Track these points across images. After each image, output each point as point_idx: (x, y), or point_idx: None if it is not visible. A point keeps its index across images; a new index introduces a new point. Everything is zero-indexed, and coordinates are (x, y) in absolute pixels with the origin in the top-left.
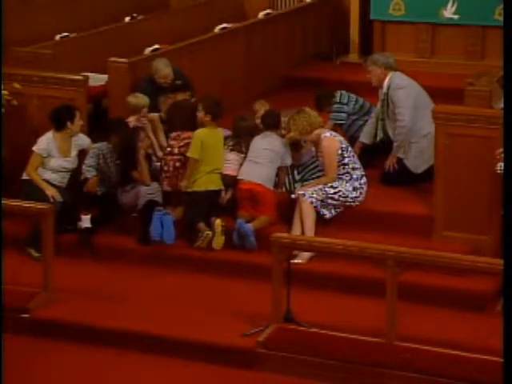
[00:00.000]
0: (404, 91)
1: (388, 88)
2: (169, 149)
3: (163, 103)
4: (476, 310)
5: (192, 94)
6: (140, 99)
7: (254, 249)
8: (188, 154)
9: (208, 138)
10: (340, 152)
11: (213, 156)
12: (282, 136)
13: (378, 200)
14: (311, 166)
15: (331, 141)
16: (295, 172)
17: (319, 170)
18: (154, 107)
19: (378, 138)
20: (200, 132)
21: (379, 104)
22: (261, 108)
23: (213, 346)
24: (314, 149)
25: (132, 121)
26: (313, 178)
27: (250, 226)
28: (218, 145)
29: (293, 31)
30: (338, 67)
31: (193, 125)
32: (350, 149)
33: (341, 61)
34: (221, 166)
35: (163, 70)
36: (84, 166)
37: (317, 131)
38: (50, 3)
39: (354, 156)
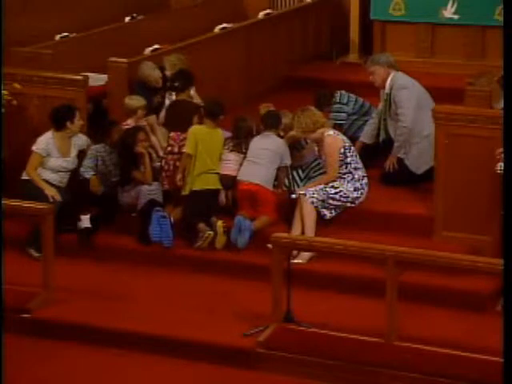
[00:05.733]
0: (407, 92)
1: (391, 88)
2: (169, 148)
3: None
4: (476, 310)
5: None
6: (135, 101)
7: (246, 245)
8: (183, 149)
9: (201, 135)
10: (343, 151)
11: (206, 155)
12: (281, 136)
13: (378, 200)
14: (314, 164)
15: (334, 139)
16: (299, 171)
17: (321, 168)
18: (149, 108)
19: (381, 138)
20: (194, 128)
21: (381, 104)
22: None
23: (213, 346)
24: (316, 148)
25: (130, 123)
26: (317, 176)
27: (249, 222)
28: (213, 144)
29: (293, 31)
30: (337, 67)
31: (192, 125)
32: (352, 148)
33: (341, 61)
34: (217, 166)
35: (152, 74)
36: (82, 168)
37: (320, 130)
38: (50, 3)
39: (356, 156)
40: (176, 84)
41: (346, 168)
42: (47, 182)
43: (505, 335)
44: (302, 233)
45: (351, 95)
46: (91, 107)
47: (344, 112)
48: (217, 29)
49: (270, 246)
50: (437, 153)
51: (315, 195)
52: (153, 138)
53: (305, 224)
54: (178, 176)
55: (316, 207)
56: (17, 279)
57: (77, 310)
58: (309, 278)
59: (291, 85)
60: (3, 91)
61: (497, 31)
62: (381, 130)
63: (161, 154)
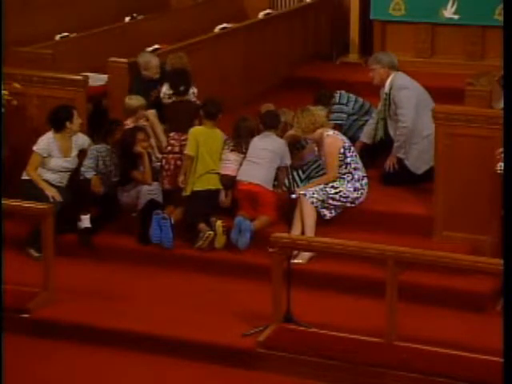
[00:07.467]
0: (407, 92)
1: (390, 88)
2: (169, 147)
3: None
4: (476, 310)
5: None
6: (134, 101)
7: (246, 246)
8: (184, 151)
9: (202, 136)
10: (342, 151)
11: (207, 155)
12: (280, 136)
13: (378, 200)
14: (315, 165)
15: (334, 139)
16: (299, 171)
17: (322, 168)
18: (148, 103)
19: (378, 138)
20: (194, 129)
21: (380, 104)
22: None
23: (213, 345)
24: (316, 148)
25: (129, 123)
26: (318, 176)
27: (249, 222)
28: (214, 144)
29: (293, 31)
30: (338, 67)
31: (192, 126)
32: (352, 148)
33: (341, 61)
34: (218, 166)
35: (152, 60)
36: (82, 168)
37: (320, 130)
38: (50, 3)
39: (356, 156)
40: (181, 88)
41: (346, 168)
42: (47, 182)
43: (505, 335)
44: (302, 233)
45: (351, 95)
46: (91, 107)
47: (344, 112)
48: (217, 29)
49: (271, 249)
50: (437, 153)
51: (315, 195)
52: (152, 139)
53: (305, 224)
54: (181, 178)
55: (316, 207)
56: (17, 279)
57: (77, 310)
58: (309, 278)
59: (291, 85)
60: (3, 91)
61: (497, 31)
62: (378, 129)
63: (158, 155)
